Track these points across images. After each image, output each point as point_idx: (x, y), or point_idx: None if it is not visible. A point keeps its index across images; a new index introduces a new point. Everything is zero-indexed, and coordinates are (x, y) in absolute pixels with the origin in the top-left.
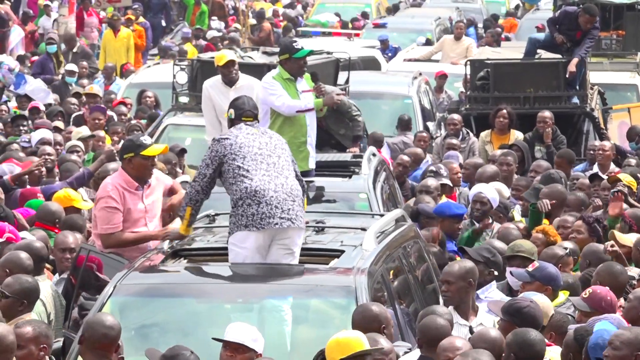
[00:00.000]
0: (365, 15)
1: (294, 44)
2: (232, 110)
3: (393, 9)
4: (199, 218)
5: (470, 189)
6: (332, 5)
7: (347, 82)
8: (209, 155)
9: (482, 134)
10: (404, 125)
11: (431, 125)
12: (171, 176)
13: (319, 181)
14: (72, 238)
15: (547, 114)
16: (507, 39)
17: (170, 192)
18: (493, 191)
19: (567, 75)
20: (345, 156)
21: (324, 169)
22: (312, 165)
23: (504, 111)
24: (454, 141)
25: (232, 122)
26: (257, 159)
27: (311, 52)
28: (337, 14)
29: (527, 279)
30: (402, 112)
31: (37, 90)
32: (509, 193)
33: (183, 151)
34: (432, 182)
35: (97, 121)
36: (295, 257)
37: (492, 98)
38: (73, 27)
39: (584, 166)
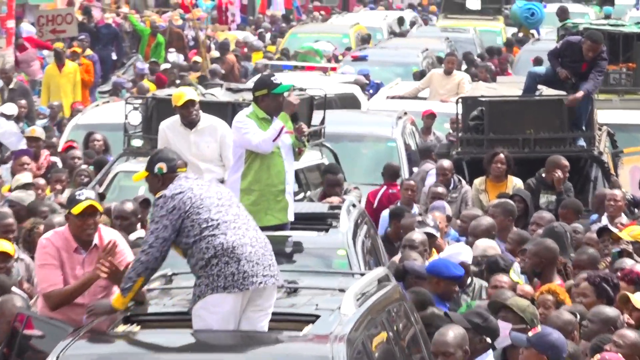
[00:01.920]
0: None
1: (272, 79)
2: (161, 165)
3: (362, 41)
4: (154, 278)
5: (468, 243)
6: (306, 35)
7: (322, 122)
8: (165, 216)
9: (476, 181)
10: (390, 174)
11: None
12: (126, 231)
13: (293, 235)
14: (7, 311)
15: (564, 161)
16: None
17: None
18: (469, 253)
19: (565, 104)
20: (322, 207)
21: (297, 221)
22: (291, 217)
23: (502, 156)
24: (440, 189)
25: (163, 179)
26: (222, 210)
27: (292, 88)
28: (327, 42)
29: (524, 344)
30: (385, 156)
31: (8, 134)
32: (500, 248)
33: (147, 202)
34: (417, 235)
35: (25, 166)
36: (269, 319)
37: (487, 140)
38: (11, 61)
39: (594, 219)
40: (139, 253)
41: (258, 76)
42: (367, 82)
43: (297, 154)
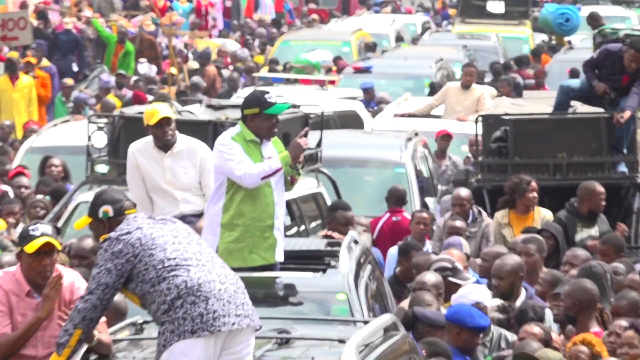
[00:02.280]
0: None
1: (266, 96)
2: (107, 208)
3: (365, 49)
4: (122, 327)
5: (489, 286)
6: (299, 43)
7: (319, 144)
8: (109, 259)
9: (498, 214)
10: (395, 199)
11: (431, 201)
12: (90, 269)
13: (283, 276)
14: None
15: (599, 187)
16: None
17: None
18: (485, 293)
19: (614, 123)
20: (318, 243)
21: (289, 260)
22: (279, 257)
23: (534, 184)
24: (458, 223)
25: (110, 224)
26: (179, 248)
27: (289, 107)
28: (325, 51)
29: None
30: (392, 184)
31: None
32: (529, 292)
33: None
34: (430, 277)
35: None
36: None
37: (511, 165)
38: None
39: None
40: (77, 300)
41: (248, 91)
42: (389, 101)
43: (290, 183)
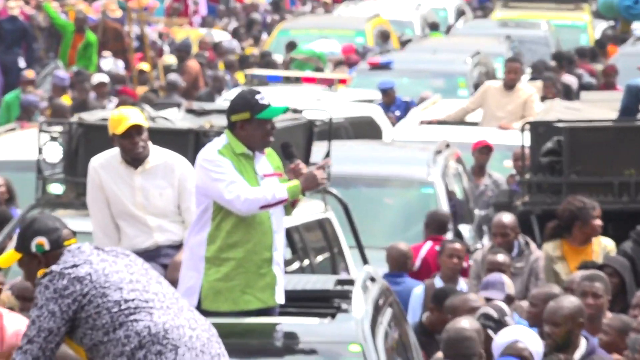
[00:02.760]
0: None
1: (257, 97)
2: (41, 240)
3: (383, 40)
4: None
5: (541, 335)
6: (301, 32)
7: (327, 157)
8: (52, 298)
9: (548, 246)
10: (437, 225)
11: (466, 229)
12: None
13: (283, 323)
14: None
15: None
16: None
17: None
18: (537, 342)
19: None
20: (326, 281)
21: (291, 302)
22: (279, 299)
23: (599, 209)
24: (500, 258)
25: (46, 259)
26: (137, 287)
27: (286, 110)
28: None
29: None
30: (418, 208)
31: None
32: (591, 343)
33: None
34: (465, 323)
35: None
36: None
37: (566, 185)
38: None
39: None
40: (15, 352)
41: (236, 92)
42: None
43: (290, 207)
